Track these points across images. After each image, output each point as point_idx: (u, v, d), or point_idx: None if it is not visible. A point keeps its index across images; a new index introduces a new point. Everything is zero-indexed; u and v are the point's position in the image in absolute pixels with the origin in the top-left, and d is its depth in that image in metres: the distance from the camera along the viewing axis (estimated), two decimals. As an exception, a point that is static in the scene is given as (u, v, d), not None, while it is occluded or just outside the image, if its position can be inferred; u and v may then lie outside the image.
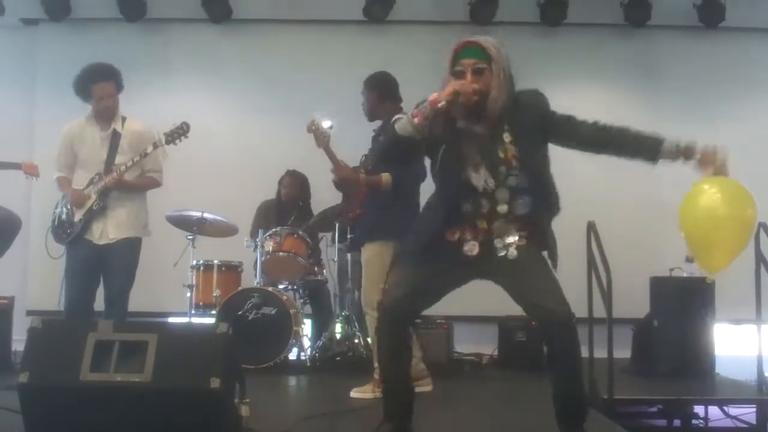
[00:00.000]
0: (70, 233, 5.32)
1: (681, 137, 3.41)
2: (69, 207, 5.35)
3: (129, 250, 5.41)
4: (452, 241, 3.38)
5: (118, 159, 5.38)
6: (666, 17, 8.28)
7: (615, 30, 8.41)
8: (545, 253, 3.43)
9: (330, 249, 6.98)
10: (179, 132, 5.43)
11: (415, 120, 3.21)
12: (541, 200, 3.42)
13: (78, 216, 5.31)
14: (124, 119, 5.50)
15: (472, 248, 3.36)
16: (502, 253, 3.34)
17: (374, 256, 4.90)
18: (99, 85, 5.39)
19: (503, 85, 3.31)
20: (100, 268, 5.34)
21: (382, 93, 5.23)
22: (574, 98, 8.46)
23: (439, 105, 3.15)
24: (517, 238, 3.34)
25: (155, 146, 5.38)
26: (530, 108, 3.41)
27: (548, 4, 8.12)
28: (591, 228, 5.12)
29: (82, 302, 5.28)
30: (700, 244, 6.24)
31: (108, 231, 5.34)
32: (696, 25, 8.24)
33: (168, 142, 5.41)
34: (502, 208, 3.35)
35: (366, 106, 5.30)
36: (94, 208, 5.32)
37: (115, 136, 5.42)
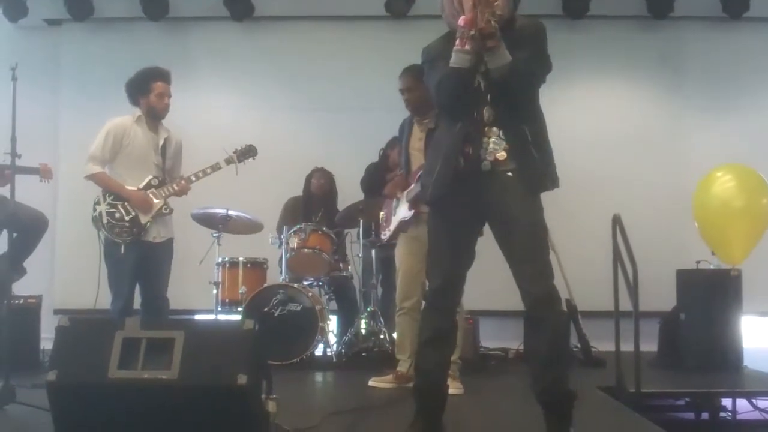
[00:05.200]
0: (136, 233, 5.32)
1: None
2: (129, 208, 5.33)
3: (172, 249, 5.57)
4: (464, 159, 3.36)
5: (166, 165, 5.53)
6: (689, 8, 8.21)
7: (638, 21, 8.36)
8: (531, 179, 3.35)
9: (354, 245, 6.99)
10: (250, 153, 5.88)
11: (466, 47, 3.22)
12: (525, 118, 3.36)
13: (146, 218, 5.35)
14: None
15: (468, 151, 3.35)
16: (485, 163, 3.31)
17: None
18: (160, 83, 5.46)
19: None
20: (146, 267, 5.39)
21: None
22: (598, 90, 8.51)
23: (475, 23, 3.15)
24: (500, 144, 3.31)
25: (228, 162, 5.72)
26: (526, 32, 3.38)
27: (571, -4, 8.09)
28: (616, 221, 5.09)
29: (132, 303, 5.36)
30: (715, 235, 6.27)
31: (161, 231, 5.46)
32: (720, 16, 8.17)
33: (240, 161, 5.80)
34: (488, 111, 3.33)
35: (420, 100, 4.96)
36: (165, 211, 5.45)
37: (166, 142, 5.54)
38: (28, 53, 8.02)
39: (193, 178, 5.56)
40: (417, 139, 5.04)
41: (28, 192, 5.23)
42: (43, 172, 5.76)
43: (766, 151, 7.98)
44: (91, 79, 8.19)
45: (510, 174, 3.31)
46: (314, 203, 7.20)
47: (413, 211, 5.00)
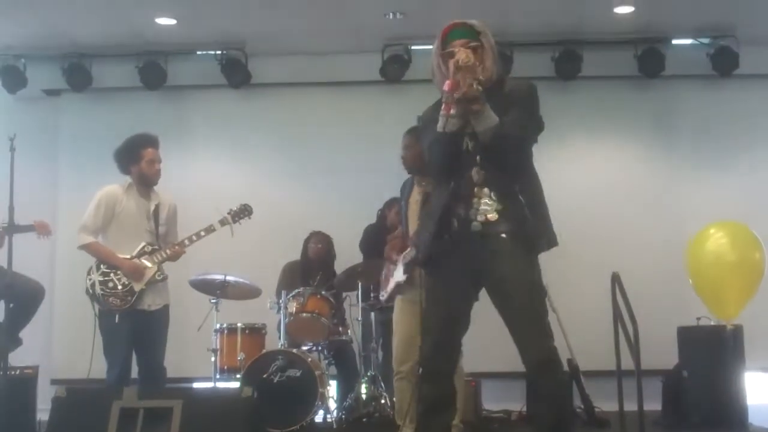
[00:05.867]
0: (130, 301, 5.28)
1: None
2: (122, 276, 5.29)
3: (168, 316, 5.52)
4: (456, 221, 3.37)
5: (160, 230, 5.52)
6: (680, 67, 8.30)
7: (629, 81, 8.44)
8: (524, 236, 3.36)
9: (354, 308, 6.96)
10: (245, 212, 5.87)
11: (452, 112, 3.24)
12: (516, 179, 3.39)
13: (139, 286, 5.31)
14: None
15: (459, 212, 3.37)
16: (475, 224, 3.32)
17: None
18: (150, 149, 5.48)
19: (495, 57, 3.38)
20: (141, 336, 5.34)
21: None
22: (592, 149, 8.56)
23: (458, 88, 3.19)
24: (491, 205, 3.33)
25: (222, 223, 5.70)
26: (516, 93, 3.42)
27: (562, 58, 8.18)
28: (615, 279, 5.08)
29: (129, 372, 5.29)
30: (709, 290, 6.27)
31: (155, 299, 5.42)
32: (710, 74, 8.25)
33: (235, 221, 5.77)
34: (478, 173, 3.36)
35: (416, 159, 4.87)
36: (158, 278, 5.41)
37: (158, 208, 5.53)
38: (27, 124, 8.07)
39: (187, 242, 5.54)
40: (414, 201, 5.05)
41: (25, 259, 5.23)
42: (39, 228, 5.71)
43: (760, 206, 8.02)
44: (90, 148, 8.21)
45: (504, 236, 3.31)
46: (312, 267, 7.19)
47: (406, 275, 4.98)
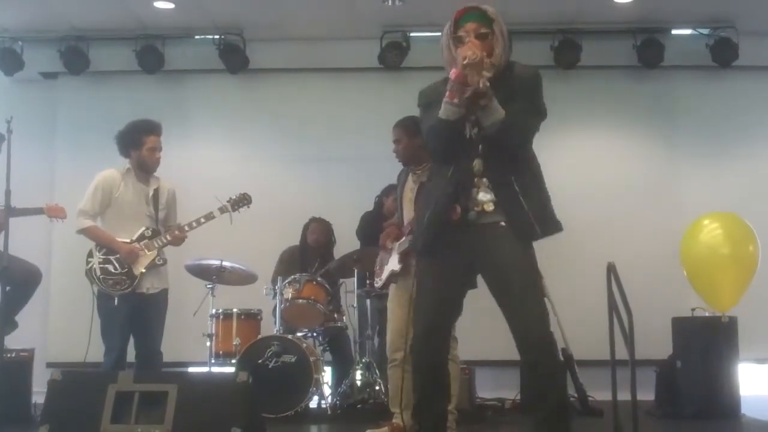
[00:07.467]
0: (129, 285, 5.30)
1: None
2: (121, 260, 5.31)
3: (166, 300, 5.54)
4: (453, 222, 3.36)
5: (160, 215, 5.53)
6: (679, 58, 8.30)
7: (628, 71, 8.44)
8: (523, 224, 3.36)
9: (350, 295, 6.97)
10: (244, 201, 5.86)
11: (455, 101, 3.23)
12: (514, 169, 3.37)
13: (139, 270, 5.33)
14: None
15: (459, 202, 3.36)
16: (471, 213, 3.31)
17: None
18: (152, 137, 5.48)
19: (506, 44, 3.38)
20: (139, 320, 5.36)
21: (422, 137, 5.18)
22: (589, 140, 8.56)
23: (464, 79, 3.17)
24: (488, 195, 3.32)
25: (221, 211, 5.70)
26: (522, 81, 3.41)
27: (561, 47, 8.17)
28: (611, 270, 5.08)
29: (125, 356, 5.32)
30: (704, 282, 6.27)
31: (154, 282, 5.43)
32: (709, 65, 8.25)
33: (234, 209, 5.77)
34: (479, 163, 3.35)
35: (406, 152, 5.05)
36: (158, 262, 5.43)
37: (157, 193, 5.53)
38: (24, 106, 8.03)
39: (187, 228, 5.55)
40: (409, 189, 5.07)
41: (22, 243, 5.22)
42: (52, 211, 5.70)
43: (757, 197, 8.02)
44: (87, 131, 8.20)
45: (502, 224, 3.31)
46: (311, 254, 7.20)
47: (401, 264, 4.98)
